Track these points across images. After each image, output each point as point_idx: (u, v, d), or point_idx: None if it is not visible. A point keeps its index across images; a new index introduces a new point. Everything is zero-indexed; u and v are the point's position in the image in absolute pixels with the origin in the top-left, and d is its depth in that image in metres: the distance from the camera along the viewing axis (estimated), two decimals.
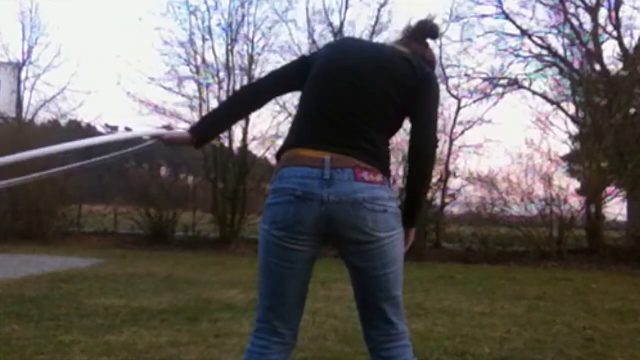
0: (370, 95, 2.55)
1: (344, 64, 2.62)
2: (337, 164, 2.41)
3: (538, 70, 19.25)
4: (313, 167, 2.42)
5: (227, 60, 18.55)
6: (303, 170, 2.43)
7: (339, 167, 2.40)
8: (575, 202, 16.36)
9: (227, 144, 18.53)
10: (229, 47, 18.62)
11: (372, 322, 2.57)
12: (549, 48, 18.76)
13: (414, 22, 2.84)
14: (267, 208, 2.52)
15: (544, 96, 18.85)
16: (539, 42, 18.89)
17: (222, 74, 18.61)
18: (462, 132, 18.63)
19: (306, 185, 2.40)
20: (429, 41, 2.87)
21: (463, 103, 18.91)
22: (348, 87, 2.54)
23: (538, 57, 19.13)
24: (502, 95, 19.34)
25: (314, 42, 18.58)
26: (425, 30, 2.82)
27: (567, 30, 18.02)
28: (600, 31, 17.74)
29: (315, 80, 2.62)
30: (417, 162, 2.60)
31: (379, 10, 18.68)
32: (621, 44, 17.67)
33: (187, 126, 18.13)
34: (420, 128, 2.59)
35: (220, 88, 18.49)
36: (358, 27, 19.33)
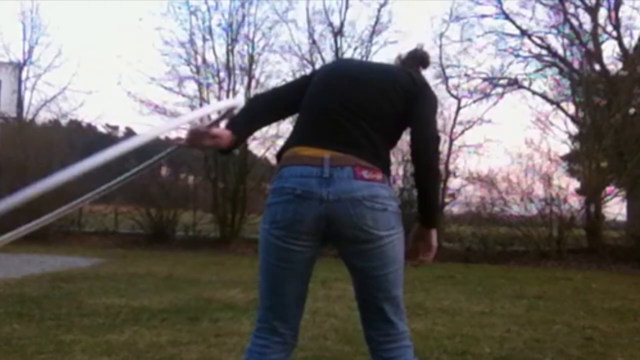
0: (371, 96, 2.58)
1: (346, 70, 2.67)
2: (337, 162, 2.41)
3: (537, 70, 19.32)
4: (312, 165, 2.42)
5: (227, 60, 18.63)
6: (302, 169, 2.43)
7: (339, 166, 2.40)
8: (575, 202, 16.46)
9: None
10: (229, 47, 18.71)
11: (372, 321, 2.57)
12: (548, 48, 18.81)
13: (404, 53, 2.91)
14: (267, 207, 2.52)
15: (543, 96, 18.93)
16: (539, 42, 18.96)
17: (222, 74, 18.74)
18: (462, 132, 18.73)
19: (305, 184, 2.40)
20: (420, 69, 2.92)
21: (463, 103, 19.02)
22: (350, 88, 2.56)
23: (537, 57, 19.18)
24: (501, 95, 19.44)
25: (314, 42, 18.65)
26: (416, 58, 2.87)
27: (567, 30, 18.07)
28: (600, 31, 17.79)
29: (317, 84, 2.65)
30: (420, 161, 2.59)
31: (379, 10, 18.76)
32: (620, 44, 17.72)
33: (186, 126, 18.16)
34: (419, 129, 2.60)
35: (221, 88, 18.57)
36: (358, 27, 19.38)
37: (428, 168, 2.59)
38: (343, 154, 2.43)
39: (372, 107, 2.57)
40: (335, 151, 2.43)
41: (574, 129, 18.46)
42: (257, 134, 18.47)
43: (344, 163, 2.41)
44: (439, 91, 19.07)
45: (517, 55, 19.27)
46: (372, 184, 2.41)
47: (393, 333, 2.54)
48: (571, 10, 17.92)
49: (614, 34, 17.72)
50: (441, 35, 19.42)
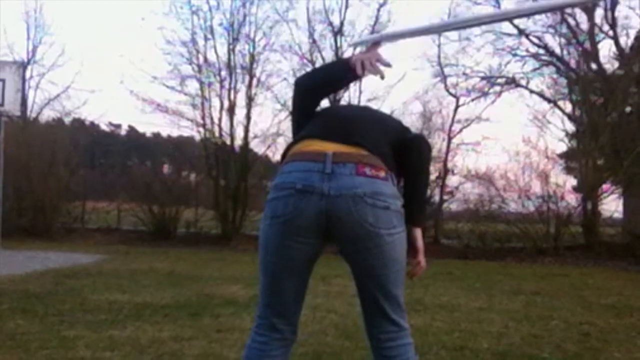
0: (377, 112, 2.75)
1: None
2: (340, 158, 2.40)
3: (535, 69, 19.35)
4: (315, 161, 2.41)
5: (229, 59, 18.64)
6: (304, 164, 2.43)
7: (341, 162, 2.39)
8: (572, 199, 16.57)
9: (228, 142, 18.68)
10: (231, 46, 18.72)
11: (373, 319, 2.57)
12: (545, 47, 18.82)
13: None
14: (268, 203, 2.51)
15: (540, 94, 18.99)
16: (536, 41, 18.97)
17: (223, 73, 18.72)
18: (460, 130, 18.95)
19: (306, 179, 2.39)
20: None
21: (461, 101, 19.24)
22: (361, 106, 2.67)
23: (535, 56, 19.21)
24: (499, 93, 19.57)
25: (314, 41, 18.68)
26: None
27: (564, 30, 18.10)
28: (596, 30, 17.82)
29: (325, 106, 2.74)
30: (414, 157, 2.64)
31: (379, 10, 18.75)
32: (617, 43, 17.75)
33: (188, 124, 18.29)
34: (414, 135, 2.73)
35: (222, 87, 18.60)
36: (358, 27, 19.44)
37: (421, 165, 2.67)
38: (347, 150, 2.43)
39: (378, 117, 2.70)
40: (340, 145, 2.45)
41: (570, 127, 18.54)
42: (258, 132, 18.69)
43: (347, 160, 2.40)
44: (438, 90, 19.25)
45: (515, 55, 19.36)
46: (374, 180, 2.40)
47: (394, 331, 2.55)
48: (568, 9, 17.96)
49: (611, 33, 17.76)
50: (440, 34, 19.53)
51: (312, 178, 2.39)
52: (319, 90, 2.85)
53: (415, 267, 2.69)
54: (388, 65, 2.68)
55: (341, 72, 2.76)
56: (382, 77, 2.68)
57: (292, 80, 18.18)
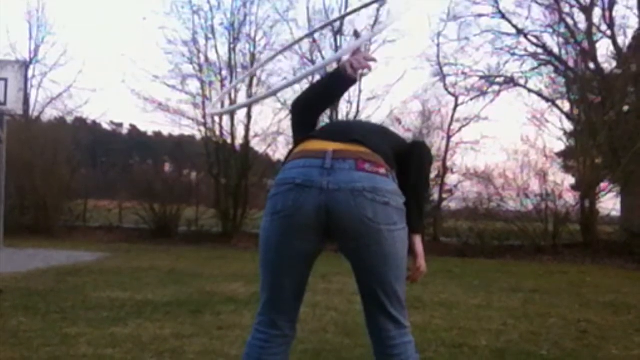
0: (377, 124, 2.86)
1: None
2: (340, 154, 2.43)
3: (533, 69, 19.35)
4: (315, 157, 2.45)
5: (230, 58, 18.68)
6: (305, 161, 2.46)
7: (341, 158, 2.42)
8: (570, 197, 16.56)
9: (229, 141, 18.75)
10: (231, 46, 18.76)
11: (374, 316, 2.58)
12: (544, 47, 18.85)
13: None
14: (269, 200, 2.53)
15: (539, 94, 19.01)
16: (535, 40, 19.00)
17: (224, 72, 18.77)
18: (459, 129, 18.95)
19: (306, 174, 2.41)
20: None
21: (460, 100, 19.25)
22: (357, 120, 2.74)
23: (533, 55, 19.23)
24: (498, 92, 19.59)
25: (314, 41, 18.72)
26: None
27: (562, 29, 18.11)
28: (594, 30, 17.82)
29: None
30: (415, 166, 2.67)
31: (378, 10, 18.79)
32: (615, 43, 17.78)
33: (189, 123, 18.36)
34: (417, 143, 2.82)
35: (223, 86, 18.59)
36: (357, 27, 19.47)
37: (421, 170, 2.71)
38: (347, 148, 2.46)
39: (379, 126, 2.82)
40: (341, 144, 2.47)
41: (569, 126, 18.57)
42: (259, 130, 18.74)
43: (347, 156, 2.43)
44: (437, 89, 19.30)
45: (513, 54, 19.38)
46: (374, 176, 2.41)
47: (394, 328, 2.55)
48: (566, 9, 17.97)
49: (608, 33, 17.77)
50: (439, 34, 19.67)
51: (311, 173, 2.41)
52: (317, 103, 2.94)
53: (415, 273, 2.72)
54: (374, 60, 2.75)
55: (334, 81, 2.83)
56: (370, 70, 2.77)
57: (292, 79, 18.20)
